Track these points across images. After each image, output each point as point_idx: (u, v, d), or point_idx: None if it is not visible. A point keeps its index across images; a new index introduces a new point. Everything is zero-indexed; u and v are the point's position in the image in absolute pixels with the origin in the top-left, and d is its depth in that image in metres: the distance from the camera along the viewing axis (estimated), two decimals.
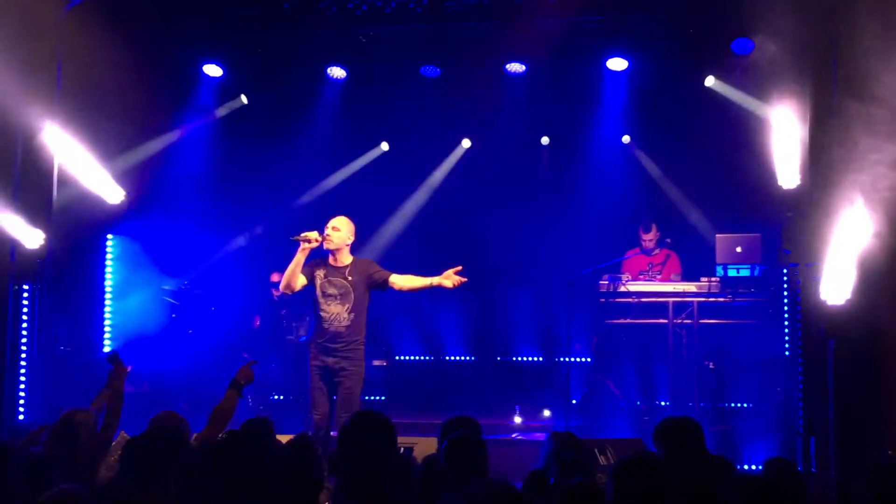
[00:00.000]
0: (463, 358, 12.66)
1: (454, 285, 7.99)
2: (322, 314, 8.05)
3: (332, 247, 8.05)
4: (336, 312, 8.01)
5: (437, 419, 5.55)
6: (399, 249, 12.39)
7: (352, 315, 8.02)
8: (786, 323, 10.00)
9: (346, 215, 8.33)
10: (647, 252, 11.20)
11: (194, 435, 5.55)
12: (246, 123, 12.31)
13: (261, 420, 5.87)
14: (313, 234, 7.97)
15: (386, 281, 8.10)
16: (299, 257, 7.98)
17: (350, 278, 8.04)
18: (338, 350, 8.01)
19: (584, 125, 12.37)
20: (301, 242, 7.96)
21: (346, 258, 8.12)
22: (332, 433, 8.03)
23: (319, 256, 8.20)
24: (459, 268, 8.02)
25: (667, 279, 10.89)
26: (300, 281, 8.10)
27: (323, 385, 8.05)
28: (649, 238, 11.17)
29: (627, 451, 7.10)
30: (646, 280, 10.91)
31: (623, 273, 11.00)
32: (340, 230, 8.10)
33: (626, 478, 4.03)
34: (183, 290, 11.62)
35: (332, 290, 8.02)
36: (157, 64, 10.60)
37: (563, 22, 10.53)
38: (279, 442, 5.09)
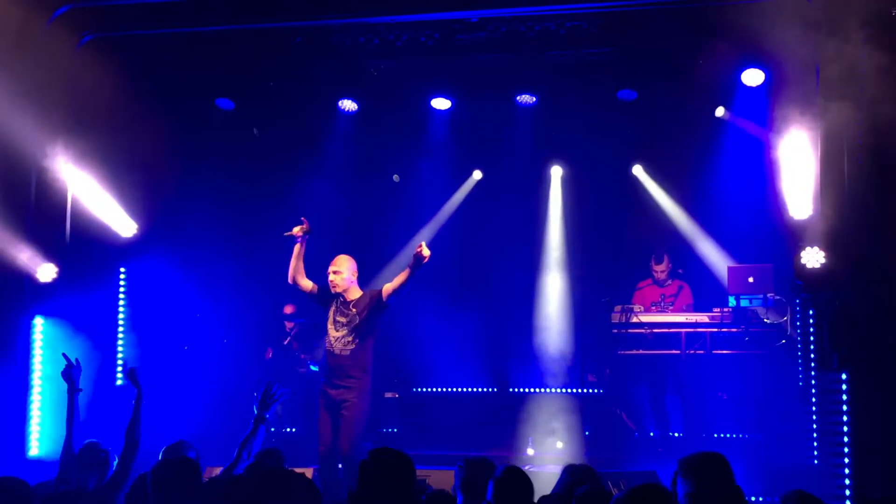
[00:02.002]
0: (475, 389, 12.62)
1: (424, 255, 8.02)
2: (329, 339, 8.31)
3: (338, 290, 8.27)
4: (341, 335, 8.25)
5: (451, 451, 5.55)
6: (410, 280, 12.38)
7: (356, 340, 8.21)
8: (799, 353, 9.97)
9: (357, 246, 8.47)
10: (659, 283, 11.17)
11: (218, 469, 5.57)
12: (258, 156, 12.37)
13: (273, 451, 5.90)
14: (297, 228, 8.37)
15: (380, 293, 8.33)
16: (297, 249, 8.40)
17: (354, 309, 8.26)
18: (341, 382, 8.15)
19: (594, 155, 12.38)
20: (295, 237, 8.38)
21: (355, 293, 8.35)
22: (338, 465, 8.08)
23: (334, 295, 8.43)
24: (422, 244, 8.12)
25: (679, 310, 10.85)
26: (306, 282, 8.44)
27: (328, 418, 8.18)
28: (661, 269, 11.13)
29: (641, 483, 7.07)
30: (658, 311, 10.88)
31: (635, 304, 10.96)
32: (342, 272, 8.36)
33: None
34: (195, 322, 11.62)
35: (340, 319, 8.32)
36: (170, 97, 10.68)
37: (573, 54, 10.59)
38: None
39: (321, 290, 8.45)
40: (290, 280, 8.49)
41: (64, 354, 6.37)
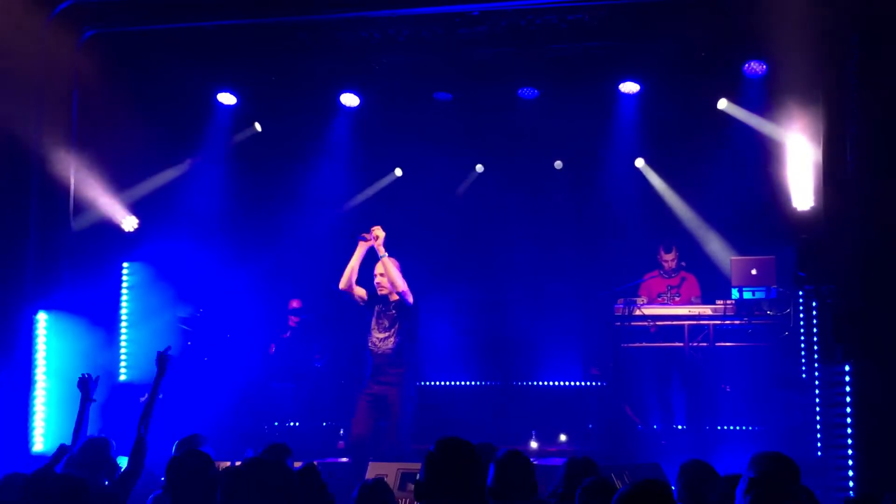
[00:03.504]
0: (478, 382, 12.61)
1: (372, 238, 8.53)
2: (373, 339, 8.65)
3: (385, 292, 8.46)
4: (384, 336, 8.58)
5: None
6: (414, 275, 12.39)
7: (398, 339, 8.59)
8: (802, 345, 9.95)
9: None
10: (666, 274, 11.13)
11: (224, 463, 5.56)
12: (260, 150, 12.37)
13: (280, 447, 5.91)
14: (376, 232, 8.56)
15: (402, 303, 8.38)
16: (358, 252, 8.61)
17: (395, 311, 8.62)
18: (385, 378, 8.54)
19: (597, 148, 12.37)
20: (368, 239, 8.57)
21: (395, 295, 8.47)
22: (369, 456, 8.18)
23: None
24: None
25: (686, 301, 10.80)
26: (359, 289, 8.71)
27: (367, 412, 8.45)
28: (670, 258, 11.05)
29: (645, 476, 7.07)
30: (663, 303, 10.84)
31: (640, 296, 10.93)
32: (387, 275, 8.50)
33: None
34: (198, 317, 11.63)
35: (384, 321, 8.66)
36: (172, 92, 10.69)
37: (576, 47, 10.57)
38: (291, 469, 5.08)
39: (370, 297, 8.76)
40: (342, 286, 8.67)
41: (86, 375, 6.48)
